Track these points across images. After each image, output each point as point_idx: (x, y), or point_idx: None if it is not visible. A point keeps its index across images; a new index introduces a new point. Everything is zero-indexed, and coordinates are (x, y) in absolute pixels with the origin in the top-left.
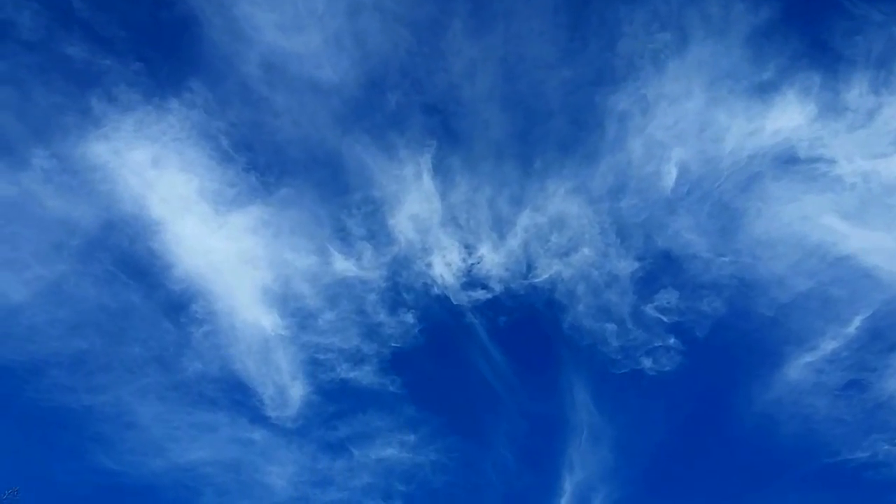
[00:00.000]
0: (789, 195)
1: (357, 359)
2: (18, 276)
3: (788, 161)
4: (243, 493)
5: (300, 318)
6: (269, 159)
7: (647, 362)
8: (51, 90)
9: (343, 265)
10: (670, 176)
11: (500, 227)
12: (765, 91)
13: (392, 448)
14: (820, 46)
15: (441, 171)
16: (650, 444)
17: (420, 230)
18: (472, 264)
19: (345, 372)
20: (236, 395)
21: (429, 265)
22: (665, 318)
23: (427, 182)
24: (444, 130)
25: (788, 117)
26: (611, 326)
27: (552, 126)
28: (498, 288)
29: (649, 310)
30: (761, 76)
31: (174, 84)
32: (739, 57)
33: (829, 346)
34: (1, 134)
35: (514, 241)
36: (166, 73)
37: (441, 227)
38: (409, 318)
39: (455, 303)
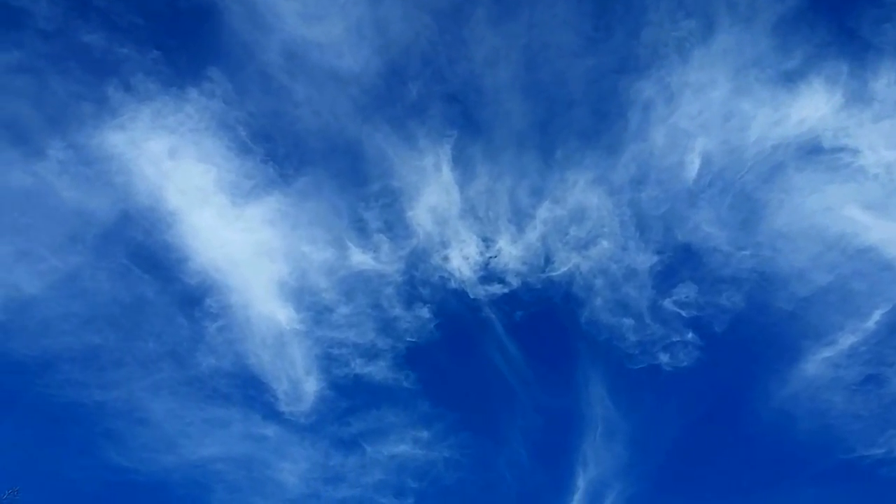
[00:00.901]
0: (812, 186)
1: (372, 354)
2: (33, 267)
3: (812, 151)
4: (254, 490)
5: (315, 312)
6: (287, 150)
7: (664, 357)
8: (67, 79)
9: (360, 258)
10: (693, 167)
11: (519, 220)
12: (791, 80)
13: (405, 444)
14: (848, 34)
15: (461, 162)
16: (665, 440)
17: (438, 222)
18: (490, 258)
19: (359, 367)
20: (250, 391)
21: (446, 259)
22: (683, 313)
23: (446, 173)
24: (465, 120)
25: (814, 106)
26: (628, 321)
27: (574, 116)
28: (515, 282)
29: (667, 304)
30: (788, 65)
31: (193, 73)
32: (766, 45)
33: (847, 340)
34: (17, 123)
35: (532, 234)
36: (185, 61)
37: (459, 220)
38: (425, 312)
39: (472, 297)
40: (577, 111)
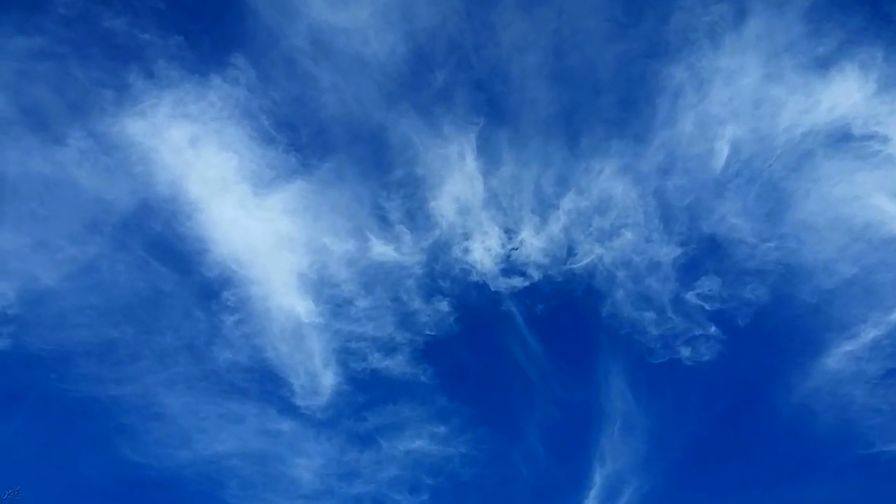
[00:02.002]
0: (840, 174)
1: (389, 347)
2: (50, 258)
3: (842, 139)
4: (268, 486)
5: (334, 305)
6: (311, 139)
7: (685, 352)
8: (88, 65)
9: (381, 249)
10: (721, 155)
11: (543, 210)
12: (823, 66)
13: (421, 440)
14: (883, 19)
15: (485, 151)
16: (684, 436)
17: (461, 212)
18: (512, 249)
19: (377, 361)
20: (266, 385)
21: (467, 251)
22: (707, 306)
23: (470, 162)
24: (491, 108)
25: (846, 93)
26: (650, 315)
27: (602, 103)
28: (536, 275)
29: (690, 297)
30: (820, 50)
31: (216, 60)
32: (798, 31)
33: (870, 333)
34: (38, 110)
35: (555, 226)
36: (208, 48)
37: (482, 210)
38: (445, 305)
39: (493, 290)
40: (605, 98)
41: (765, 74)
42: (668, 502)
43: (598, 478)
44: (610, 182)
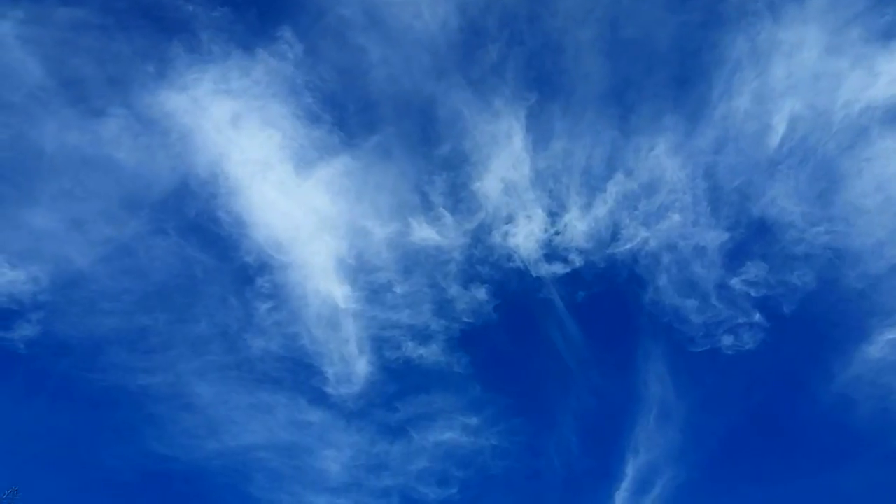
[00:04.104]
0: (893, 153)
1: (424, 336)
2: (85, 237)
3: None
4: (295, 479)
5: (370, 291)
6: (358, 115)
7: (727, 340)
8: (131, 37)
9: (423, 233)
10: (777, 132)
11: (589, 192)
12: (887, 38)
13: (453, 431)
14: None
15: (535, 129)
16: (720, 426)
17: (506, 192)
18: (555, 233)
19: (411, 350)
20: (299, 374)
21: (508, 235)
22: (752, 292)
23: (518, 140)
24: (543, 83)
25: None
26: (692, 302)
27: (656, 77)
28: (578, 260)
29: (735, 283)
30: (884, 21)
31: (263, 32)
32: (863, 3)
33: None
34: (77, 82)
35: (601, 208)
36: (255, 19)
37: (528, 191)
38: (483, 292)
39: (534, 276)
40: (660, 72)
41: (827, 47)
42: (701, 494)
43: (631, 469)
44: (660, 160)
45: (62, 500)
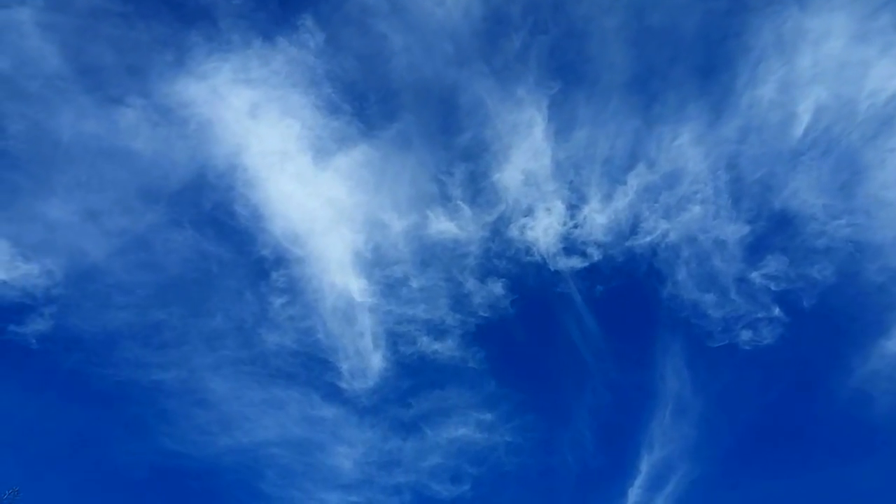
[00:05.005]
0: None
1: (440, 331)
2: (100, 229)
3: None
4: (307, 475)
5: (386, 285)
6: (379, 103)
7: (745, 335)
8: (151, 24)
9: (441, 226)
10: (802, 122)
11: (610, 183)
12: None
13: (466, 427)
14: None
15: (556, 119)
16: (736, 422)
17: (526, 184)
18: (574, 226)
19: (425, 345)
20: (313, 369)
21: (527, 228)
22: (772, 286)
23: (540, 131)
24: (567, 72)
25: None
26: (711, 296)
27: (681, 66)
28: (597, 254)
29: (755, 277)
30: None
31: (284, 21)
32: None
33: None
34: (95, 70)
35: (622, 200)
36: (276, 7)
37: (548, 183)
38: (500, 286)
39: (552, 270)
40: (685, 61)
41: (854, 35)
42: (716, 490)
43: (645, 465)
44: (682, 150)
45: (74, 495)
